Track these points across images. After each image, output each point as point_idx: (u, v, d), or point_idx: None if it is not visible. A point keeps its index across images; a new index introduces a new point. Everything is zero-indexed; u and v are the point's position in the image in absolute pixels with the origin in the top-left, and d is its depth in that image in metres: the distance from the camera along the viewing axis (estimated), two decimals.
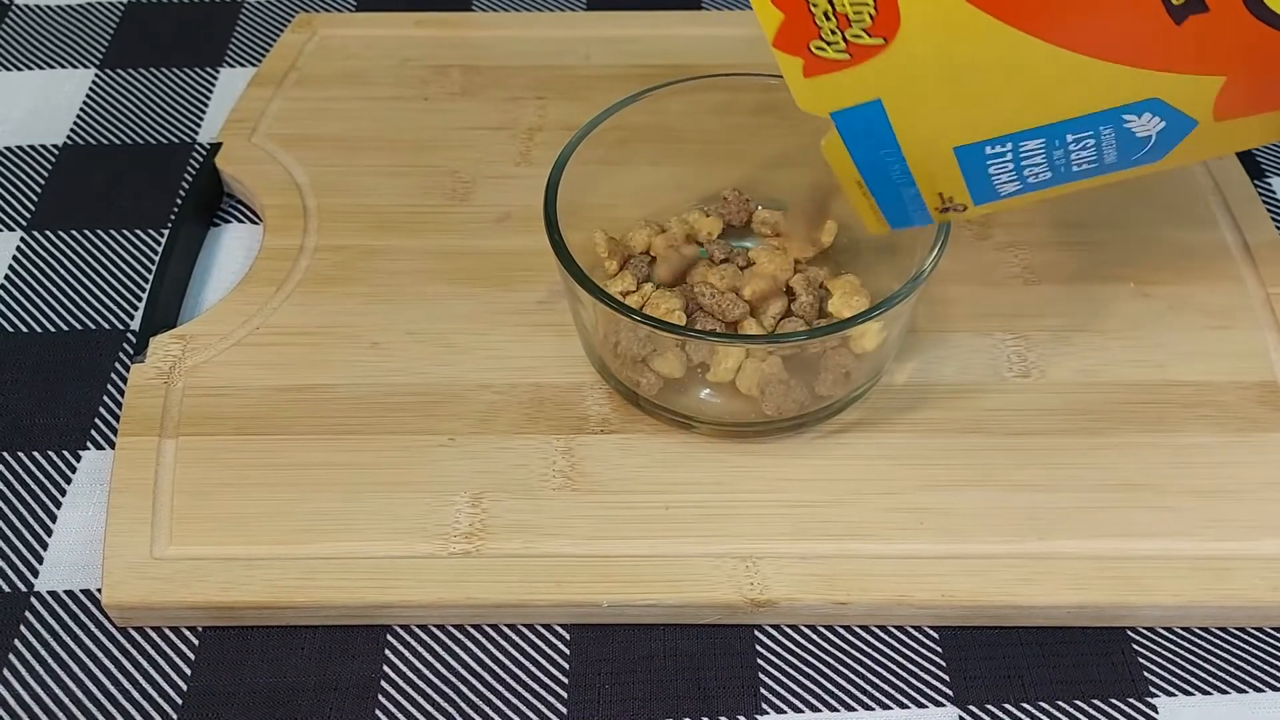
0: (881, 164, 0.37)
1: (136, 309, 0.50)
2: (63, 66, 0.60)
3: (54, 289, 0.50)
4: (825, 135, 0.37)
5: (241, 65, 0.60)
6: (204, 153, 0.56)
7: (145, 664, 0.40)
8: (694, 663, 0.39)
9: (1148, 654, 0.40)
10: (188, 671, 0.39)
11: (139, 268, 0.51)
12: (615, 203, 0.46)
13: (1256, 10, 0.31)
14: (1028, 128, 0.35)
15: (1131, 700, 0.39)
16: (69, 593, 0.41)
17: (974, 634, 0.40)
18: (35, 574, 0.42)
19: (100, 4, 0.64)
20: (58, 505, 0.44)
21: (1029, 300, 0.48)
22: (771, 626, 0.40)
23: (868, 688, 0.39)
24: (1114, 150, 0.35)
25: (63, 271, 0.51)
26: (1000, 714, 0.38)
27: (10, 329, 0.49)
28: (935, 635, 0.40)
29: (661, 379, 0.42)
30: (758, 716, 0.38)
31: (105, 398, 0.47)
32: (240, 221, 0.53)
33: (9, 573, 0.42)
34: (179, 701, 0.39)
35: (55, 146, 0.56)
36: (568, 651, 0.40)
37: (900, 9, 0.33)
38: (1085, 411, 0.44)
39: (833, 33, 0.34)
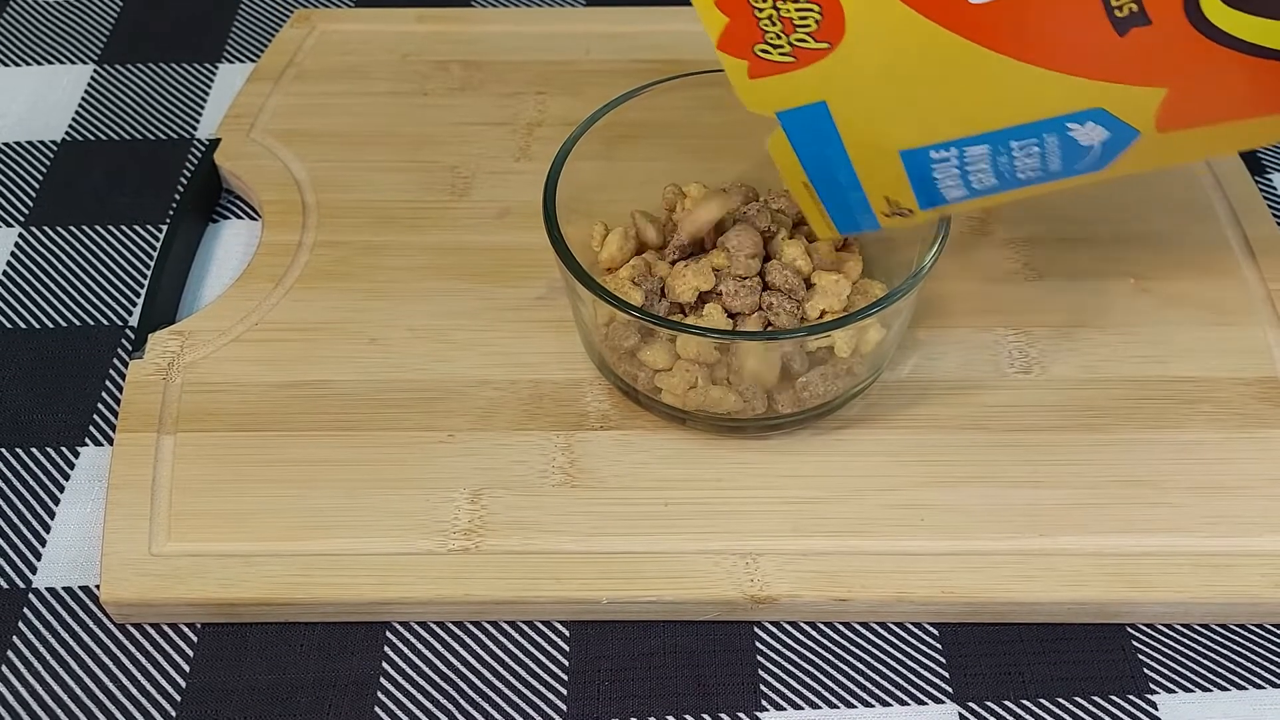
0: (827, 165, 0.38)
1: (135, 305, 0.50)
2: (60, 62, 0.60)
3: (52, 285, 0.50)
4: (771, 133, 0.37)
5: (240, 61, 0.60)
6: (202, 148, 0.55)
7: (144, 661, 0.40)
8: (694, 660, 0.39)
9: (1148, 650, 0.40)
10: (186, 668, 0.39)
11: (137, 264, 0.51)
12: (615, 198, 0.46)
13: (1198, 24, 0.31)
14: (972, 134, 0.35)
15: (1131, 697, 0.38)
16: (67, 589, 0.41)
17: (974, 631, 0.40)
18: (33, 570, 0.42)
19: None
20: (56, 501, 0.44)
21: (1030, 296, 0.48)
22: (771, 623, 0.40)
23: (868, 684, 0.39)
24: (1058, 158, 0.36)
25: (61, 267, 0.51)
26: (1000, 710, 0.38)
27: (9, 325, 0.49)
28: (935, 632, 0.40)
29: (653, 372, 0.42)
30: (757, 713, 0.38)
31: (104, 394, 0.47)
32: (239, 217, 0.53)
33: (7, 569, 0.42)
34: (177, 698, 0.39)
35: (53, 142, 0.56)
36: (567, 648, 0.40)
37: (846, 15, 0.33)
38: (1086, 408, 0.44)
39: (777, 37, 0.34)
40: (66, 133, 0.57)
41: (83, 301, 0.50)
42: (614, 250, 0.44)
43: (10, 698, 0.39)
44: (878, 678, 0.39)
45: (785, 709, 0.38)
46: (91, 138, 0.56)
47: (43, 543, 0.42)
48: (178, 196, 0.54)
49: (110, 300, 0.50)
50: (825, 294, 0.42)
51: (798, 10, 0.33)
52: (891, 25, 0.33)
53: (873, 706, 0.38)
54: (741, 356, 0.40)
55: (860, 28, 0.33)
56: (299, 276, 0.49)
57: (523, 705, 0.38)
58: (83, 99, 0.58)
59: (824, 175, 0.38)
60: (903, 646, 0.40)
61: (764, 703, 0.38)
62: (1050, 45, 0.33)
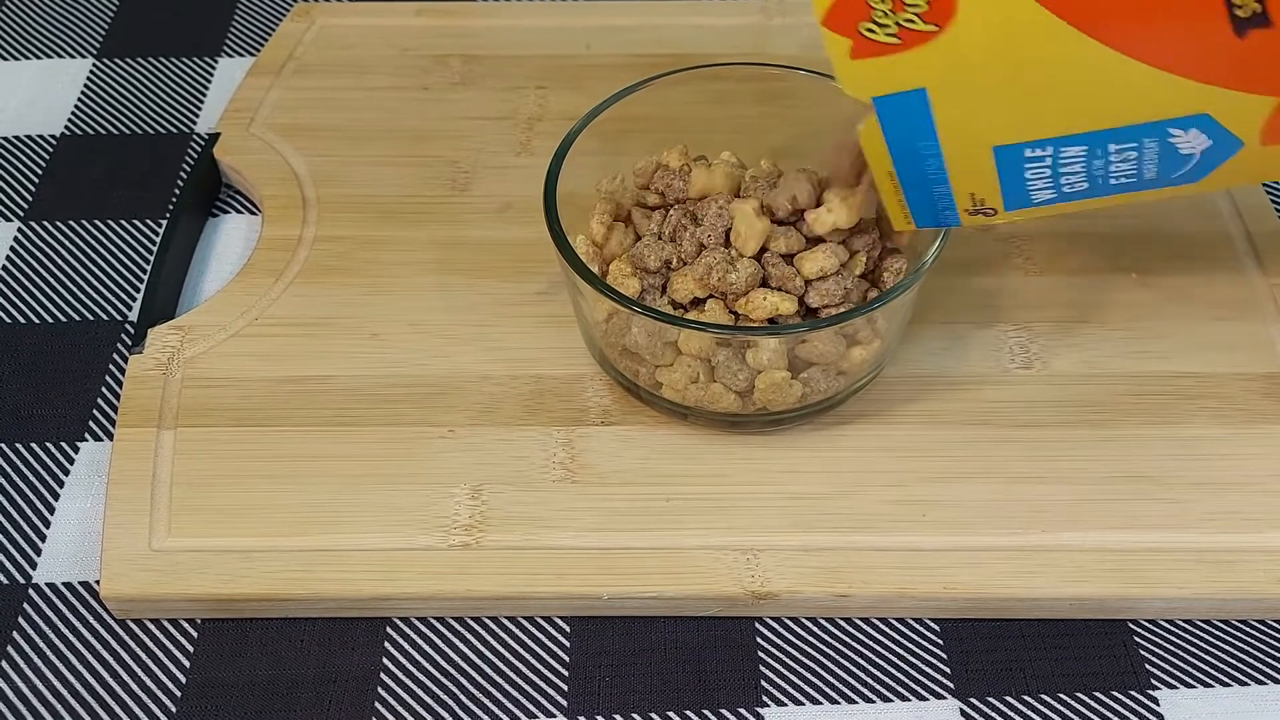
0: (917, 156, 0.37)
1: (135, 300, 0.49)
2: (60, 56, 0.60)
3: (52, 280, 0.50)
4: (863, 120, 0.36)
5: (240, 55, 0.60)
6: (202, 143, 0.55)
7: (144, 656, 0.39)
8: (695, 655, 0.39)
9: (1150, 647, 0.39)
10: (186, 664, 0.39)
11: (137, 258, 0.51)
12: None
13: None
14: (1072, 132, 0.35)
15: (1133, 693, 0.38)
16: (67, 585, 0.41)
17: (975, 626, 0.40)
18: (34, 566, 0.42)
19: None
20: (56, 497, 0.43)
21: (1031, 291, 0.48)
22: (772, 619, 0.40)
23: (869, 680, 0.39)
24: (1155, 165, 0.35)
25: (61, 262, 0.51)
26: (1001, 706, 0.38)
27: (8, 320, 0.49)
28: (936, 628, 0.40)
29: (654, 367, 0.42)
30: (758, 709, 0.38)
31: (103, 389, 0.47)
32: (239, 212, 0.53)
33: (7, 565, 0.42)
34: (178, 694, 0.39)
35: (53, 137, 0.56)
36: (568, 644, 0.40)
37: None
38: (1088, 403, 0.44)
39: (885, 15, 0.33)
40: (66, 127, 0.56)
41: (82, 296, 0.50)
42: (614, 246, 0.44)
43: (10, 693, 0.39)
44: (879, 673, 0.39)
45: (786, 704, 0.38)
46: (91, 132, 0.56)
47: (43, 538, 0.42)
48: (177, 191, 0.54)
49: (110, 295, 0.50)
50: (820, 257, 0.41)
51: None
52: (1004, 10, 0.32)
53: (874, 702, 0.38)
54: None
55: (971, 11, 0.33)
56: (299, 271, 0.49)
57: (523, 701, 0.38)
58: (82, 93, 0.58)
59: (912, 166, 0.37)
60: (904, 642, 0.40)
61: (765, 698, 0.38)
62: (1165, 42, 0.32)
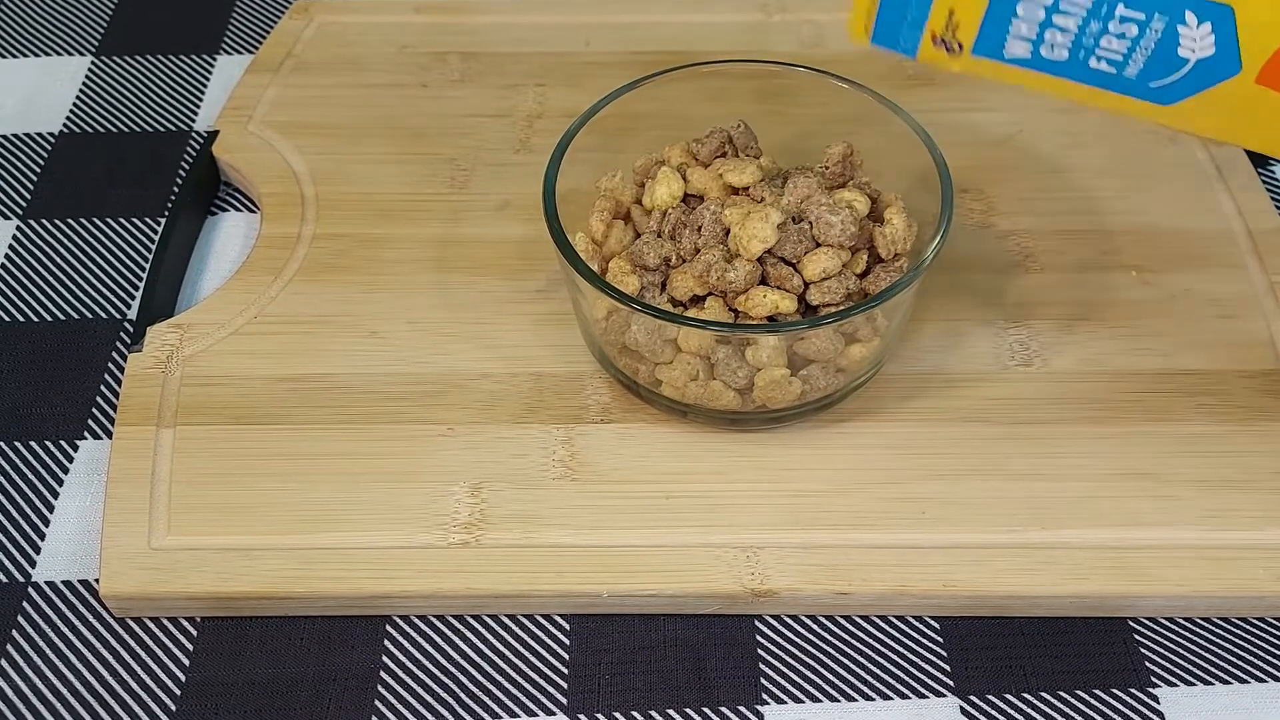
0: None
1: (134, 298, 0.49)
2: (59, 54, 0.60)
3: (51, 278, 0.50)
4: None
5: (238, 52, 0.60)
6: (201, 141, 0.55)
7: (143, 655, 0.39)
8: (694, 653, 0.39)
9: (1149, 644, 0.39)
10: (186, 662, 0.39)
11: (136, 257, 0.51)
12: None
13: None
14: None
15: (1133, 690, 0.38)
16: (66, 583, 0.41)
17: (975, 624, 0.40)
18: (33, 564, 0.42)
19: None
20: (55, 495, 0.43)
21: (1031, 289, 0.48)
22: (772, 616, 0.40)
23: (868, 678, 0.39)
24: (1144, 57, 0.33)
25: (59, 260, 0.51)
26: (1001, 704, 0.38)
27: (7, 319, 0.49)
28: (936, 625, 0.40)
29: (653, 364, 0.42)
30: (758, 706, 0.38)
31: (103, 387, 0.46)
32: (238, 210, 0.53)
33: (6, 563, 0.42)
34: (177, 693, 0.39)
35: (51, 134, 0.56)
36: (568, 642, 0.40)
37: None
38: (1088, 400, 0.44)
39: None
40: (64, 125, 0.56)
41: (81, 294, 0.50)
42: (613, 244, 0.44)
43: (10, 692, 0.39)
44: (878, 671, 0.39)
45: (786, 702, 0.38)
46: (89, 130, 0.56)
47: (42, 536, 0.42)
48: (176, 189, 0.53)
49: (109, 293, 0.50)
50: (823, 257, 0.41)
51: None
52: None
53: (873, 700, 0.38)
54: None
55: None
56: (298, 269, 0.49)
57: (523, 699, 0.38)
58: (80, 91, 0.58)
59: None
60: (904, 640, 0.40)
61: (765, 696, 0.38)
62: None
